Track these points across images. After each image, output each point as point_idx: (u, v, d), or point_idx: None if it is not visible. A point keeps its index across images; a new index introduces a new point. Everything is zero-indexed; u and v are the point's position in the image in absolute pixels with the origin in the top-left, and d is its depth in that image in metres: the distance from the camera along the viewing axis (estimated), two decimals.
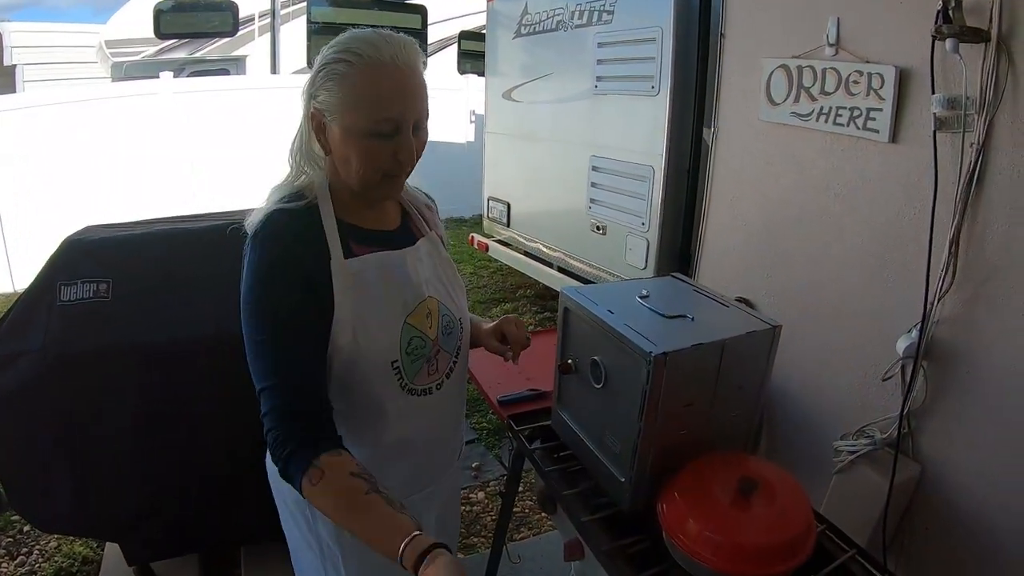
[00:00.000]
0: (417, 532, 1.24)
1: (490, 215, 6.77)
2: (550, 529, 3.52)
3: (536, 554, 3.31)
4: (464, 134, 10.47)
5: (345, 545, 1.65)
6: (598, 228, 5.09)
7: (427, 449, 1.72)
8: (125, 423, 2.46)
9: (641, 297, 1.82)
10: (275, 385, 1.36)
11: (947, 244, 2.06)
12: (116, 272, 2.42)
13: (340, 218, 1.49)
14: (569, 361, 1.89)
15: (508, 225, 6.52)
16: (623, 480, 1.71)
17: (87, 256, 2.44)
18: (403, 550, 1.21)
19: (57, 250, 2.46)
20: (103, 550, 3.14)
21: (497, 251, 6.65)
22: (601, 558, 1.68)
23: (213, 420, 2.48)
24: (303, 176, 1.51)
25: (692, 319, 1.72)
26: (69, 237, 2.51)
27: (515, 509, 3.66)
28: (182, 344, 2.41)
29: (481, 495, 3.80)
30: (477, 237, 6.92)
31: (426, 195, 1.81)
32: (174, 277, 2.49)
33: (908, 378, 2.22)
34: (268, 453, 1.43)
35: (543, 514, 3.61)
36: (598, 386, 1.76)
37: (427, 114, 1.47)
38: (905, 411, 2.23)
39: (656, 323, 1.69)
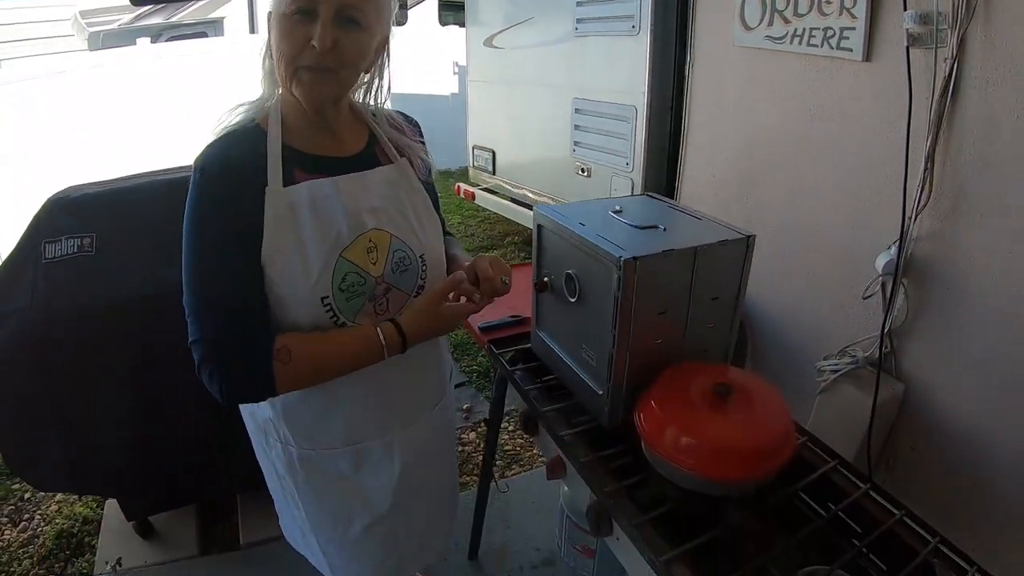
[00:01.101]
0: (377, 330, 1.46)
1: (475, 164, 6.75)
2: (541, 464, 3.56)
3: (527, 487, 3.37)
4: (448, 86, 10.40)
5: (298, 478, 1.67)
6: (583, 171, 5.07)
7: (389, 397, 1.66)
8: (116, 377, 2.46)
9: (614, 212, 1.83)
10: (205, 310, 1.34)
11: (923, 159, 2.05)
12: (100, 226, 2.40)
13: (289, 144, 1.42)
14: (545, 279, 1.90)
15: (494, 173, 6.51)
16: (600, 393, 1.72)
17: (70, 213, 2.41)
18: (384, 348, 1.46)
19: (40, 209, 2.44)
20: (103, 510, 3.16)
21: (484, 199, 6.65)
22: (581, 470, 1.70)
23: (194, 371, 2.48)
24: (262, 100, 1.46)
25: (664, 229, 1.73)
26: (51, 196, 2.48)
27: (507, 448, 3.74)
28: (169, 295, 2.37)
29: (472, 435, 3.83)
30: (463, 186, 6.90)
31: (407, 118, 1.72)
32: (158, 227, 2.42)
33: (889, 295, 2.23)
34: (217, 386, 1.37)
35: (534, 451, 3.65)
36: (573, 300, 1.77)
37: (364, 15, 1.36)
38: (887, 329, 2.25)
39: (628, 233, 1.69)
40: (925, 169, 2.05)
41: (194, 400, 2.41)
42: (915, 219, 2.11)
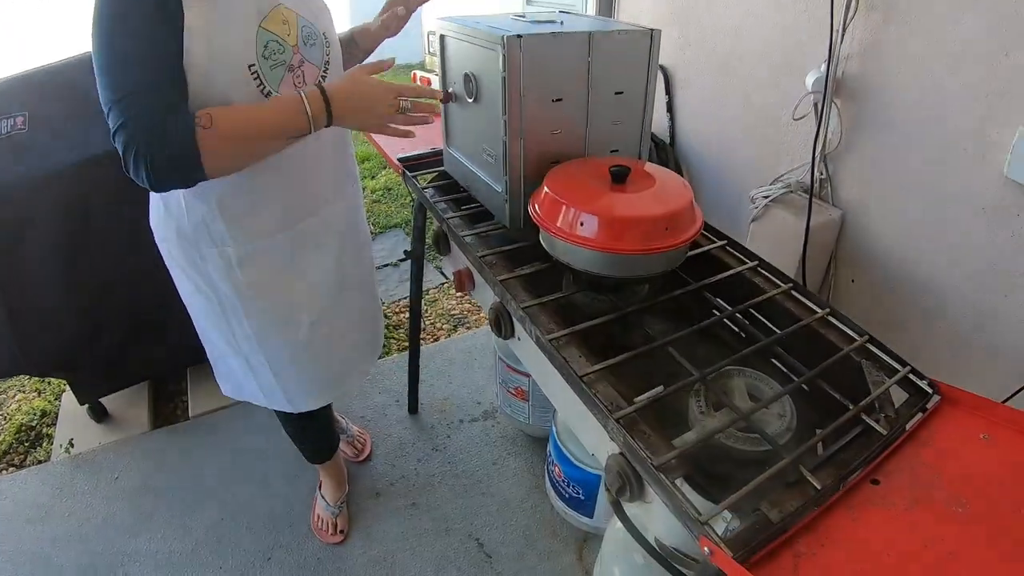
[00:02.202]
0: (302, 94, 1.43)
1: (431, 50, 6.66)
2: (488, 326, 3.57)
3: (471, 347, 3.41)
4: None
5: (239, 283, 1.71)
6: (517, 16, 4.96)
7: (307, 173, 1.72)
8: (54, 251, 2.43)
9: (516, 16, 1.76)
10: (127, 95, 1.30)
11: None
12: (31, 104, 2.35)
13: None
14: (450, 90, 1.85)
15: None
16: (500, 190, 1.67)
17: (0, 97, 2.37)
18: (308, 109, 1.42)
19: None
20: (60, 402, 3.18)
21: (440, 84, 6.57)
22: (477, 264, 1.66)
23: (137, 235, 2.46)
24: None
25: (561, 23, 1.66)
26: None
27: (453, 312, 3.77)
28: (104, 156, 2.33)
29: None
30: (419, 73, 6.79)
31: None
32: (91, 97, 2.39)
33: (820, 114, 2.16)
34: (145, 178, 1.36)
35: (481, 315, 3.67)
36: (471, 100, 1.71)
37: None
38: (818, 150, 2.20)
39: (522, 26, 1.61)
40: None
41: (136, 268, 2.39)
42: (843, 34, 2.04)
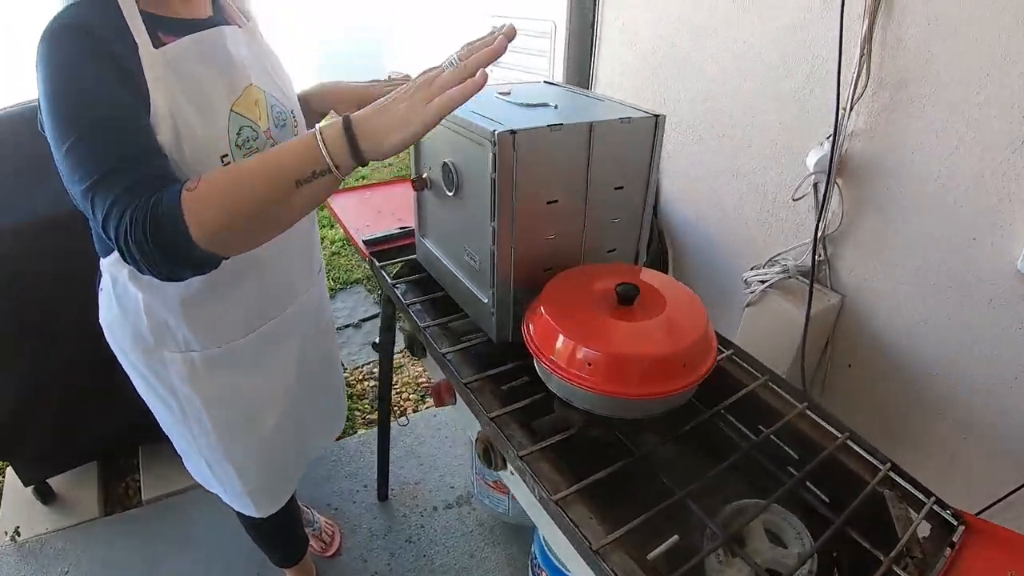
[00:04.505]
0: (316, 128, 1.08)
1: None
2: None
3: (441, 421, 3.28)
4: None
5: (203, 391, 1.57)
6: (502, 94, 4.87)
7: (277, 267, 1.58)
8: None
9: (500, 94, 1.60)
10: (111, 169, 1.05)
11: (859, 44, 1.86)
12: None
13: (142, 8, 1.22)
14: (424, 175, 1.67)
15: None
16: (486, 301, 1.51)
17: None
18: (320, 139, 1.05)
19: None
20: (3, 477, 2.98)
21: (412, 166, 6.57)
22: (463, 393, 1.49)
23: (79, 308, 2.30)
24: None
25: (556, 107, 1.50)
26: None
27: (420, 380, 3.62)
28: (42, 221, 2.20)
29: None
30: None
31: None
32: (27, 154, 2.21)
33: (822, 196, 2.06)
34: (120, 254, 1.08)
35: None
36: (451, 194, 1.53)
37: None
38: (820, 233, 2.08)
39: (512, 111, 1.45)
40: (861, 56, 1.86)
41: (78, 342, 2.23)
42: (850, 112, 1.93)
